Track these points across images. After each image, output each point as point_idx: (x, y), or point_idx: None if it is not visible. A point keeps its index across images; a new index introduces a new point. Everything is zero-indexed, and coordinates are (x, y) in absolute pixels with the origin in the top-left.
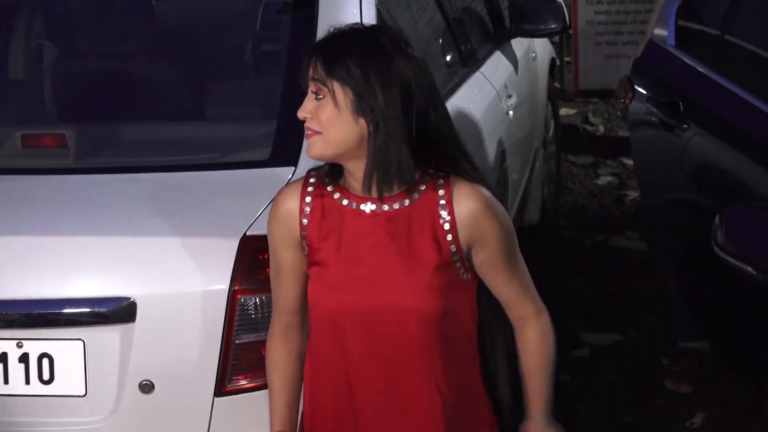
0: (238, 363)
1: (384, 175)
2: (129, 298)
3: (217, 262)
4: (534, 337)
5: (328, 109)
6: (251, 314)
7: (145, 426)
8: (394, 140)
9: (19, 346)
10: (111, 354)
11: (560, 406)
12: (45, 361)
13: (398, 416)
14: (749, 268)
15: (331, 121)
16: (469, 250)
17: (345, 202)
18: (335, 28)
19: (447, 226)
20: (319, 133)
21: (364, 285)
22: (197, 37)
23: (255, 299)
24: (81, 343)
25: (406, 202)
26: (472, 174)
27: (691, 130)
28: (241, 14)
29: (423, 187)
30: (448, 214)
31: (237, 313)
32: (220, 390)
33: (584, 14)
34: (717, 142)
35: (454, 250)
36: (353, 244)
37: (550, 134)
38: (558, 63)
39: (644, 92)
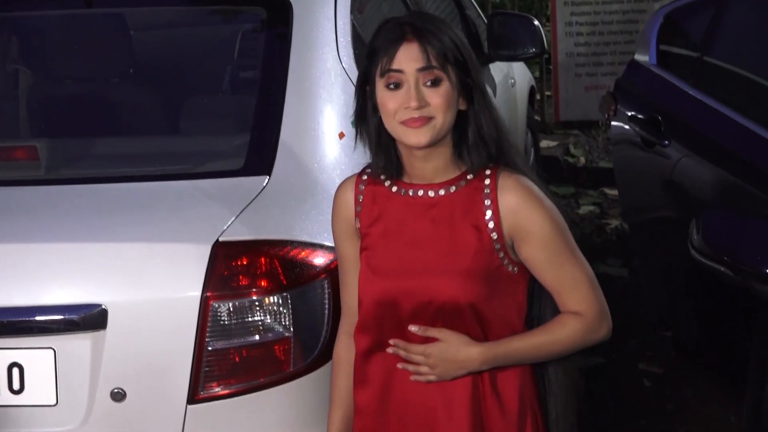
0: (211, 370)
1: (480, 143)
2: (100, 305)
3: (189, 268)
4: (566, 322)
5: (447, 93)
6: (224, 321)
7: None
8: (487, 109)
9: None
10: (82, 362)
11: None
12: (15, 371)
13: (435, 405)
14: (725, 270)
15: (449, 105)
16: (513, 242)
17: (395, 188)
18: (411, 17)
19: (489, 213)
20: (431, 118)
21: (404, 269)
22: (172, 57)
23: (227, 305)
24: (52, 351)
25: (452, 188)
26: (521, 166)
27: (671, 146)
28: (216, 35)
29: (470, 177)
30: (491, 203)
31: (209, 319)
32: (193, 397)
33: (564, 46)
34: (697, 158)
35: (495, 237)
36: (397, 229)
37: (530, 163)
38: (539, 97)
39: (626, 111)
